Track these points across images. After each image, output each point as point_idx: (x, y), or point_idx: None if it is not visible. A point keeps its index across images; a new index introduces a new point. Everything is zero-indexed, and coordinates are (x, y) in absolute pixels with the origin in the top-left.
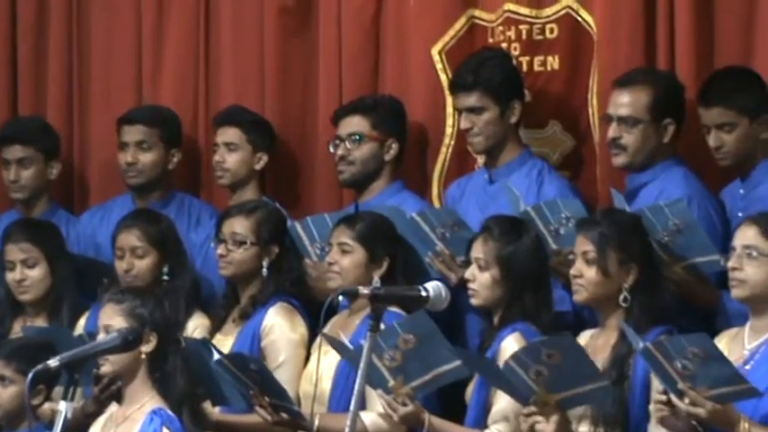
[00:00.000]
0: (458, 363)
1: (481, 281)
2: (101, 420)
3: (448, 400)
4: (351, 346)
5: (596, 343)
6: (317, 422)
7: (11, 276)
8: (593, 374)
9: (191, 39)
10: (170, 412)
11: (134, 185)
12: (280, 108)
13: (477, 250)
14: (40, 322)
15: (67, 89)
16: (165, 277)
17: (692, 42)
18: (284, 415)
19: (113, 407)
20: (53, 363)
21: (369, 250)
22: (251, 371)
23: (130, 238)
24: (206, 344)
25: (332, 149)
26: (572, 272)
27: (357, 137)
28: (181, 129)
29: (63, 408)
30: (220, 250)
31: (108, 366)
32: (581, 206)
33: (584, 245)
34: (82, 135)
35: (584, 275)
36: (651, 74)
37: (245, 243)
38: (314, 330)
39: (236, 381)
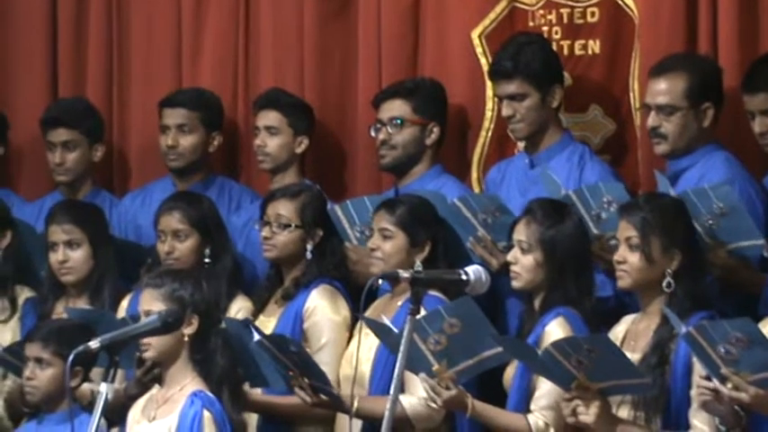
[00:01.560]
0: (500, 349)
1: (523, 263)
2: (141, 402)
3: (487, 384)
4: (394, 329)
5: (638, 328)
6: (356, 404)
7: (53, 257)
8: (634, 373)
9: (230, 22)
10: (210, 394)
11: (174, 168)
12: (319, 91)
13: (520, 233)
14: (82, 304)
15: (107, 71)
16: (207, 260)
17: (734, 27)
18: (324, 397)
19: (154, 389)
20: (93, 345)
21: (410, 235)
22: (291, 352)
23: (172, 221)
24: (247, 325)
25: (373, 134)
26: (615, 258)
27: (398, 121)
28: (222, 112)
29: (103, 390)
30: (265, 233)
31: (152, 351)
32: (623, 189)
33: (627, 230)
34: (121, 117)
35: (628, 261)
36: (686, 59)
37: (289, 226)
38: (355, 311)
39: (276, 362)
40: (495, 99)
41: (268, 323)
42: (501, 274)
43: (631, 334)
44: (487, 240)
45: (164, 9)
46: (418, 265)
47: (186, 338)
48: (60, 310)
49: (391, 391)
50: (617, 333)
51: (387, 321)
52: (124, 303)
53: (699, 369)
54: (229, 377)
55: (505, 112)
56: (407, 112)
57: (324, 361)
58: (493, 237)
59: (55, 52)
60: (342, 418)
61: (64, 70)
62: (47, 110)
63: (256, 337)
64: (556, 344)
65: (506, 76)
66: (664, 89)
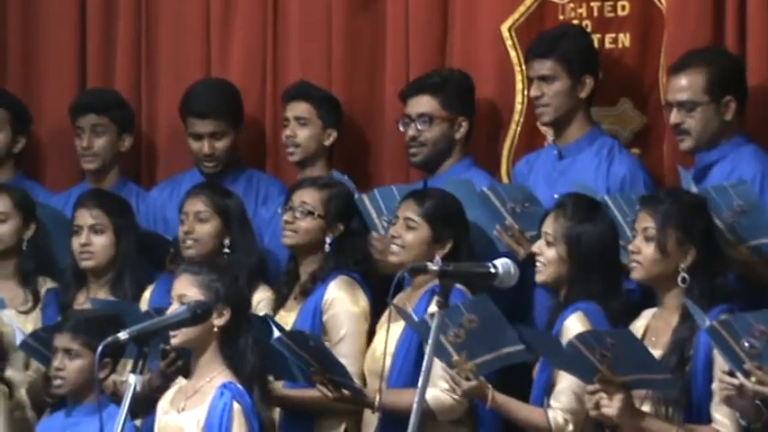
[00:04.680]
0: (521, 346)
1: (547, 256)
2: (170, 393)
3: (511, 377)
4: (415, 317)
5: (658, 324)
6: (377, 398)
7: (76, 240)
8: (656, 368)
9: (259, 13)
10: (240, 386)
11: (212, 174)
12: (347, 83)
13: (548, 225)
14: (103, 295)
15: (136, 63)
16: (226, 250)
17: (762, 20)
18: (345, 391)
19: (181, 380)
20: (123, 336)
21: (434, 229)
22: (310, 347)
23: (197, 203)
24: (266, 321)
25: (401, 128)
26: (630, 248)
27: (427, 118)
28: (242, 103)
29: (132, 381)
30: (287, 217)
31: (179, 337)
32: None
33: (645, 221)
34: (150, 108)
35: (642, 252)
36: (705, 54)
37: (312, 214)
38: (376, 305)
39: (297, 358)
40: (525, 92)
41: (288, 318)
42: (527, 263)
43: (652, 330)
44: (515, 229)
45: (192, 1)
46: (437, 261)
47: (216, 330)
48: (81, 301)
49: (419, 383)
50: (637, 328)
51: (411, 313)
52: (146, 295)
53: (720, 363)
54: (260, 374)
55: (533, 92)
56: (436, 108)
57: (343, 353)
58: (520, 226)
59: (84, 44)
60: (368, 411)
61: (93, 62)
62: (77, 97)
63: (276, 334)
64: (580, 337)
65: (541, 55)
66: (683, 85)
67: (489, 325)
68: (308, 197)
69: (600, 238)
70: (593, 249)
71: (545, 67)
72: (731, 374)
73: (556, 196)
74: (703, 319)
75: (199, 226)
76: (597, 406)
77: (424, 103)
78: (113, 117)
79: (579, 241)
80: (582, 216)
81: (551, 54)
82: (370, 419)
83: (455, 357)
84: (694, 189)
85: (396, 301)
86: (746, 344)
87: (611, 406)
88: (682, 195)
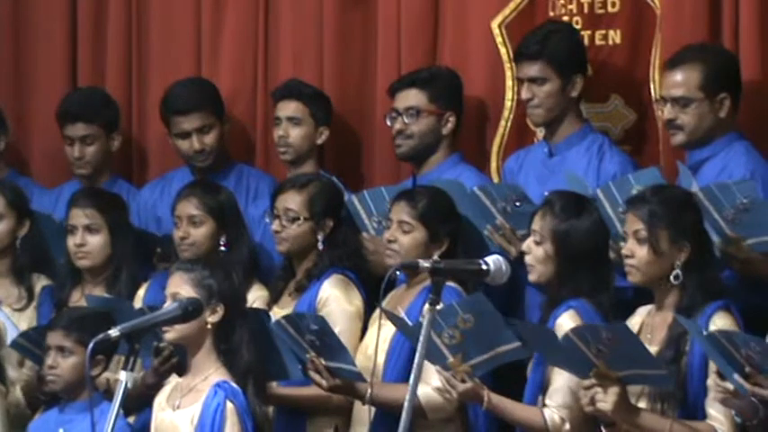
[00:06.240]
0: (517, 343)
1: (535, 254)
2: (166, 390)
3: (505, 377)
4: (409, 322)
5: (654, 321)
6: (369, 392)
7: (71, 240)
8: (652, 363)
9: (250, 10)
10: (234, 385)
11: (203, 168)
12: (338, 81)
13: (536, 223)
14: (98, 292)
15: (126, 60)
16: (222, 248)
17: (757, 17)
18: (338, 381)
19: (175, 378)
20: (113, 333)
21: (429, 229)
22: (309, 332)
23: (189, 207)
24: (263, 316)
25: (389, 123)
26: (623, 251)
27: (414, 111)
28: (220, 96)
29: (123, 378)
30: (275, 226)
31: (172, 333)
32: (658, 174)
33: (634, 224)
34: (140, 105)
35: (636, 255)
36: (701, 50)
37: (298, 219)
38: (370, 303)
39: (294, 343)
40: (515, 89)
41: (282, 314)
42: (519, 262)
43: (647, 327)
44: (506, 228)
45: None
46: (435, 259)
47: (209, 326)
48: (77, 298)
49: (410, 381)
50: (632, 325)
51: (401, 313)
52: (140, 293)
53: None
54: (255, 370)
55: (524, 94)
56: (423, 102)
57: None
58: (512, 225)
59: (74, 43)
60: (358, 410)
61: (83, 62)
62: (63, 103)
63: (274, 317)
64: (576, 331)
65: (530, 58)
66: (679, 81)
67: (485, 324)
68: (291, 202)
69: (588, 234)
70: (582, 245)
71: (534, 69)
72: (721, 378)
73: (546, 194)
74: (700, 329)
75: (194, 230)
76: (592, 401)
77: (411, 97)
78: (101, 122)
79: (567, 238)
80: (569, 213)
81: (540, 56)
82: (360, 418)
83: (450, 359)
84: (695, 186)
85: (389, 298)
86: (745, 354)
87: (606, 401)
88: (667, 192)
